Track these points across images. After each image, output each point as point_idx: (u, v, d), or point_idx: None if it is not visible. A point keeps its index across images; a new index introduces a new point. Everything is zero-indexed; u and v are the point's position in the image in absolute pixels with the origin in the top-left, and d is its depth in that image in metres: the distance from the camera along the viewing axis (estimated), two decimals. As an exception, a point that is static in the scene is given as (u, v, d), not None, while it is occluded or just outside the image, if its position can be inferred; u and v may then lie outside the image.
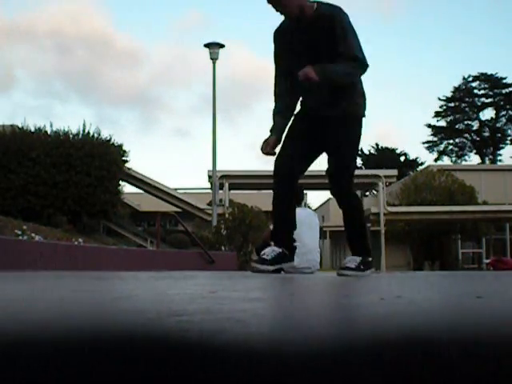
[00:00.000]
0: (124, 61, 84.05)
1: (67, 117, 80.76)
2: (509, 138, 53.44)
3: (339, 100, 3.89)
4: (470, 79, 52.65)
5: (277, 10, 3.80)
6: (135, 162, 53.23)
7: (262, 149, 4.00)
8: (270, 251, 3.90)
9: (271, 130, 4.02)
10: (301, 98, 4.09)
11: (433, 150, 54.77)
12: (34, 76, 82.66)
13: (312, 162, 4.09)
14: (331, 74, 3.76)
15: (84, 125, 16.42)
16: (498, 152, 53.80)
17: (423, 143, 54.60)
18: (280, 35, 4.00)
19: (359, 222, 4.11)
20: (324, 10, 3.81)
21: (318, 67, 3.69)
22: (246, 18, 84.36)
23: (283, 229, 4.02)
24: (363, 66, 3.83)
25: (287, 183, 3.96)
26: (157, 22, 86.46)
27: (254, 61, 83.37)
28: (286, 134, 4.05)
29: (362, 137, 4.03)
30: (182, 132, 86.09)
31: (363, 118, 4.01)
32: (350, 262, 3.96)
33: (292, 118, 4.08)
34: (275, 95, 4.08)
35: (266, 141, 3.99)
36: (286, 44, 3.95)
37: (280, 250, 3.90)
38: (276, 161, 3.98)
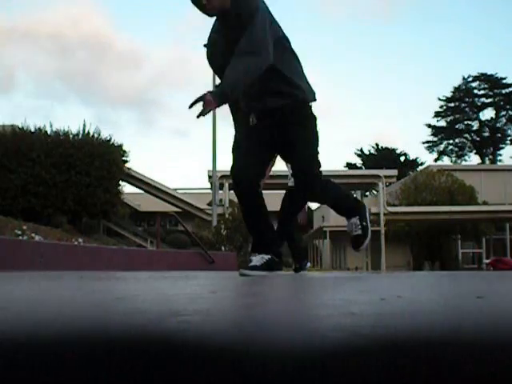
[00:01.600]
0: (124, 62, 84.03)
1: (67, 118, 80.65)
2: (509, 138, 53.47)
3: (280, 88, 3.68)
4: (470, 79, 52.68)
5: (200, 10, 3.61)
6: (135, 163, 53.22)
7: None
8: (259, 259, 3.84)
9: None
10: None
11: (433, 150, 54.82)
12: (34, 77, 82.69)
13: (270, 161, 4.08)
14: (233, 84, 3.46)
15: (84, 125, 16.43)
16: (498, 152, 53.85)
17: (423, 143, 54.65)
18: (209, 41, 3.83)
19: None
20: None
21: (217, 90, 3.44)
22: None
23: (265, 238, 3.92)
24: (263, 61, 3.49)
25: (250, 193, 3.83)
26: (156, 23, 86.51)
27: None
28: (235, 141, 3.90)
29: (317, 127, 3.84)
30: (182, 132, 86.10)
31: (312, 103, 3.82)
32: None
33: (239, 123, 3.93)
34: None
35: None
36: (214, 47, 3.77)
37: (269, 257, 3.86)
38: (232, 171, 3.82)
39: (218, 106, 3.43)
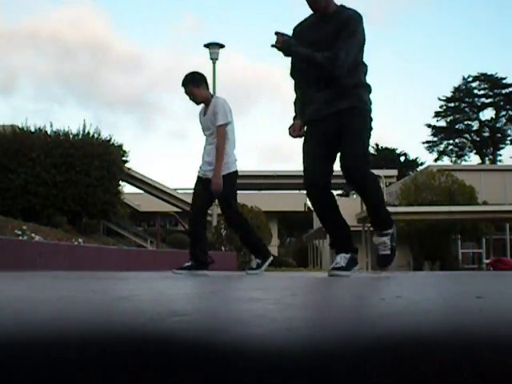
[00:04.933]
0: (123, 65, 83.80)
1: (66, 120, 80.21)
2: (509, 138, 53.39)
3: (343, 95, 3.98)
4: (470, 79, 52.62)
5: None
6: (135, 163, 53.07)
7: (290, 133, 4.16)
8: (341, 259, 3.93)
9: (295, 117, 4.20)
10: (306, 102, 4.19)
11: (433, 150, 54.74)
12: (34, 80, 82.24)
13: (335, 159, 4.14)
14: (297, 53, 4.00)
15: (84, 125, 16.41)
16: (498, 152, 53.76)
17: (423, 143, 54.53)
18: (297, 27, 4.19)
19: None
20: (345, 10, 4.00)
21: (292, 43, 3.98)
22: (241, 22, 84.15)
23: (340, 235, 4.08)
24: (335, 68, 3.89)
25: (319, 193, 4.04)
26: (155, 26, 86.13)
27: (249, 64, 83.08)
28: (304, 143, 4.14)
29: (371, 130, 4.09)
30: (181, 134, 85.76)
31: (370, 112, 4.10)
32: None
33: (305, 126, 4.19)
34: (295, 86, 4.27)
35: (292, 126, 4.16)
36: (299, 35, 4.09)
37: (350, 255, 3.95)
38: (304, 173, 4.08)
39: (281, 49, 3.97)
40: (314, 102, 4.06)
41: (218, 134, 5.12)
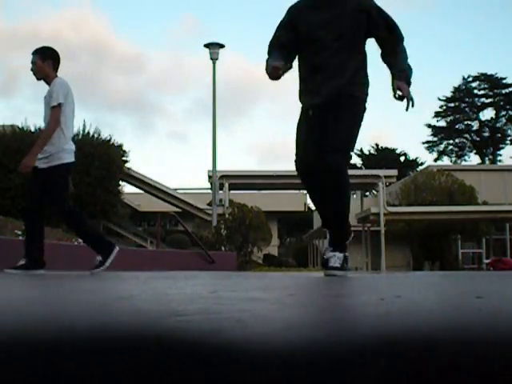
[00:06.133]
0: (122, 66, 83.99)
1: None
2: (509, 138, 53.43)
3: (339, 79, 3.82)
4: (470, 79, 52.66)
5: None
6: (135, 163, 53.18)
7: (270, 75, 3.76)
8: (336, 259, 3.75)
9: (268, 59, 3.84)
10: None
11: (433, 150, 54.77)
12: (34, 81, 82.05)
13: None
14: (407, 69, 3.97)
15: (84, 125, 16.45)
16: (498, 152, 53.80)
17: (423, 143, 54.61)
18: (296, 11, 3.89)
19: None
20: None
21: (403, 75, 3.86)
22: (241, 22, 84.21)
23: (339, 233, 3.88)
24: (403, 39, 4.01)
25: (311, 180, 3.87)
26: (154, 27, 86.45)
27: (249, 64, 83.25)
28: (296, 131, 3.94)
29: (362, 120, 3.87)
30: (181, 134, 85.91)
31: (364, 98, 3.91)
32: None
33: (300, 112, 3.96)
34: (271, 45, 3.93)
35: (271, 67, 3.74)
36: (302, 22, 3.84)
37: (343, 255, 3.78)
38: (295, 161, 3.91)
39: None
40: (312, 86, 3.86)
41: (51, 117, 4.55)
